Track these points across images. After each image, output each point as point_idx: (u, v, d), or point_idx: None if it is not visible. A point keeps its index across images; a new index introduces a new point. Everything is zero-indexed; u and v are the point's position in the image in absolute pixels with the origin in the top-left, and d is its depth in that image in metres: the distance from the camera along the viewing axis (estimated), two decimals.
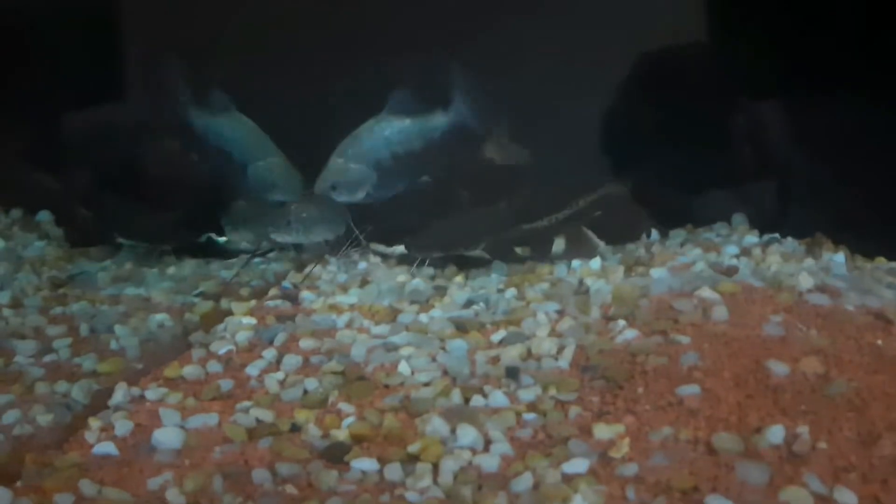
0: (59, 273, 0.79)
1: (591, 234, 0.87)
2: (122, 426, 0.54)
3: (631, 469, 0.48)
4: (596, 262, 0.79)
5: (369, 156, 0.83)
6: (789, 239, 0.81)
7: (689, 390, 0.53)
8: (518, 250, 0.89)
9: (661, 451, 0.49)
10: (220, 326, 0.67)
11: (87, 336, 0.67)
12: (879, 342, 0.58)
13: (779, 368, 0.54)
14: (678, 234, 0.87)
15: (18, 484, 0.49)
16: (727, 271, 0.71)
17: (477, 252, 0.88)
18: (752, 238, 0.81)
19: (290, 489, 0.50)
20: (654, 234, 0.88)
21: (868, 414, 0.50)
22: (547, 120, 0.98)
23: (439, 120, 0.86)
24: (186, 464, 0.51)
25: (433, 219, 0.91)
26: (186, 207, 0.93)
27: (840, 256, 0.77)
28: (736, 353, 0.56)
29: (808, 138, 0.93)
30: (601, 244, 0.86)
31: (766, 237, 0.81)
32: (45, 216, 0.95)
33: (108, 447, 0.53)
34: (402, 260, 0.88)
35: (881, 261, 0.77)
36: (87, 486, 0.49)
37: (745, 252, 0.78)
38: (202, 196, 0.95)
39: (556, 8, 0.96)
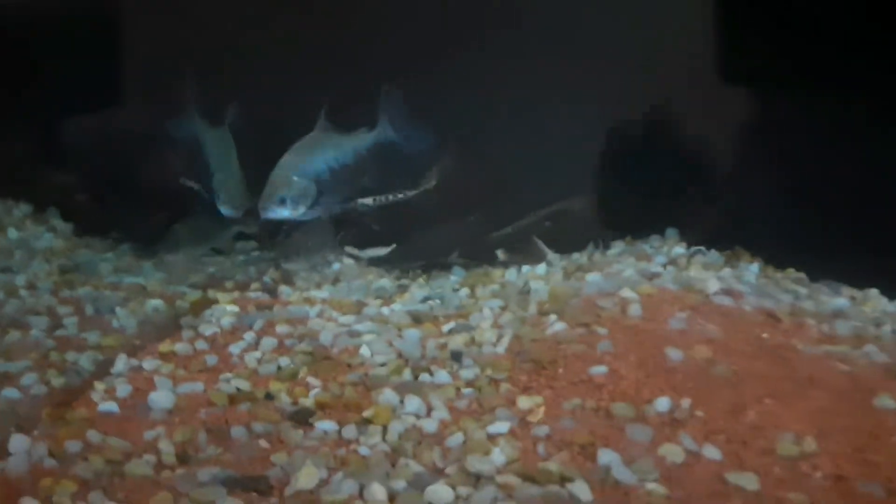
0: (67, 261, 0.90)
1: (540, 243, 0.98)
2: (123, 389, 0.64)
3: (543, 430, 0.59)
4: (541, 268, 0.90)
5: (310, 170, 0.90)
6: (713, 251, 0.92)
7: (599, 370, 0.64)
8: (499, 253, 1.01)
9: (570, 416, 0.60)
10: (208, 312, 0.77)
11: (92, 315, 0.77)
12: (765, 335, 0.69)
13: (675, 354, 0.65)
14: (619, 245, 0.98)
15: (35, 433, 0.59)
16: (650, 277, 0.82)
17: (453, 258, 0.99)
18: (679, 249, 0.92)
19: (263, 443, 0.60)
20: (599, 244, 0.99)
21: (740, 390, 0.61)
22: (517, 138, 1.10)
23: (366, 137, 0.97)
24: (176, 421, 0.62)
25: (406, 227, 1.02)
26: (173, 210, 1.04)
27: (755, 267, 0.88)
28: (642, 342, 0.67)
29: (743, 159, 1.05)
30: (549, 252, 0.97)
31: (693, 249, 0.93)
32: (52, 212, 1.05)
33: (110, 406, 0.63)
34: (372, 262, 1.00)
35: (790, 272, 0.88)
36: (93, 436, 0.59)
37: (673, 262, 0.90)
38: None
39: (523, 26, 1.07)
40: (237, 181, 1.00)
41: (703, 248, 0.93)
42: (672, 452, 0.55)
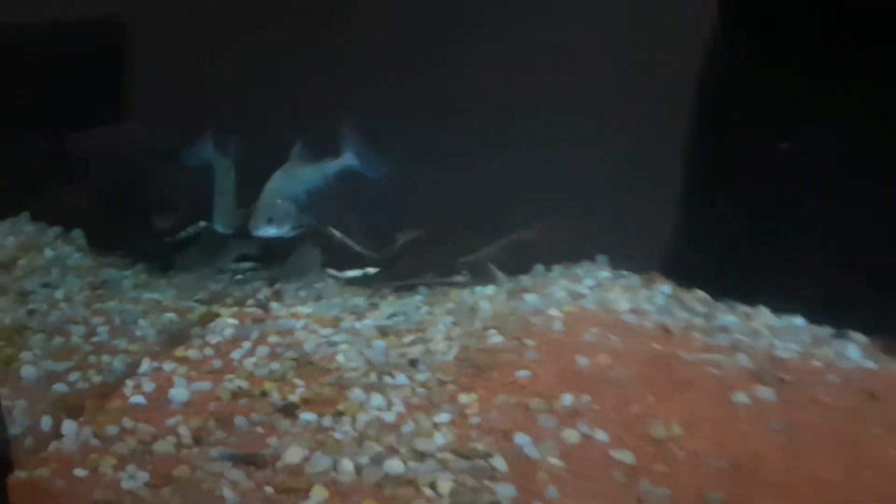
0: (95, 278, 1.06)
1: (493, 268, 1.16)
2: (148, 386, 0.81)
3: (476, 420, 0.76)
4: (490, 289, 1.07)
5: (290, 195, 1.06)
6: (634, 275, 1.10)
7: (523, 374, 0.81)
8: (459, 277, 1.18)
9: (497, 410, 0.77)
10: (213, 324, 0.94)
11: (119, 325, 0.94)
12: (657, 346, 0.86)
13: (582, 361, 0.82)
14: (557, 269, 1.15)
15: (81, 419, 0.76)
16: (576, 297, 1.00)
17: (424, 280, 1.16)
18: (605, 273, 1.10)
19: (259, 430, 0.77)
20: (541, 268, 1.16)
21: (629, 389, 0.78)
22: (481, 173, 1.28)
23: (333, 165, 1.13)
24: (191, 412, 0.78)
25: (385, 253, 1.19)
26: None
27: (666, 288, 1.05)
28: (559, 352, 0.84)
29: (664, 194, 1.22)
30: (500, 275, 1.14)
31: (616, 273, 1.10)
32: (78, 233, 1.22)
33: (139, 399, 0.79)
34: (350, 282, 1.17)
35: (697, 292, 1.06)
36: (127, 422, 0.76)
37: (599, 284, 1.07)
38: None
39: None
40: (230, 203, 1.17)
41: (625, 272, 1.11)
42: (571, 436, 0.72)
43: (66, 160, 1.25)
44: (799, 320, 0.99)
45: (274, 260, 1.16)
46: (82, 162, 1.25)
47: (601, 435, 0.72)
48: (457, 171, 1.21)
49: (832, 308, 1.00)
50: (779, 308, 1.02)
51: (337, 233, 1.11)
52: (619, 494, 0.67)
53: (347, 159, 1.16)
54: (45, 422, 0.76)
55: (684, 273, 1.11)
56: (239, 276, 1.12)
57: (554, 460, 0.70)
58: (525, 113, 1.20)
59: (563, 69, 1.20)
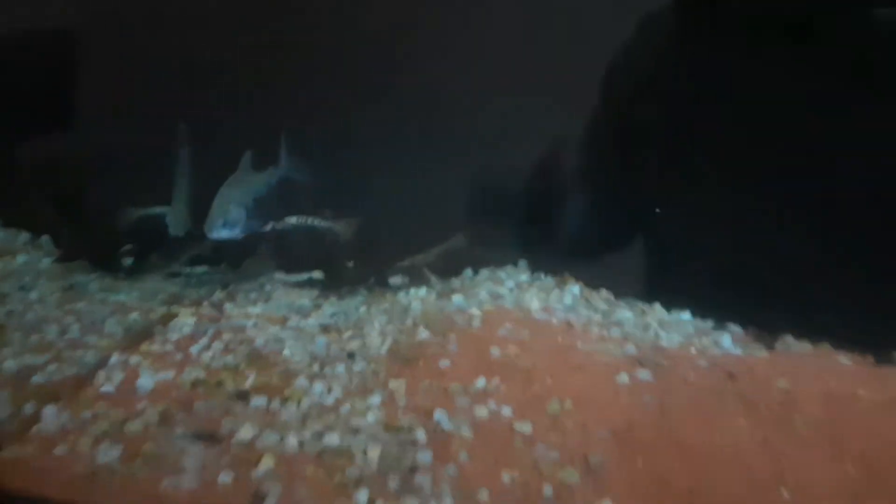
0: (64, 282, 1.17)
1: (427, 272, 1.30)
2: (117, 377, 0.92)
3: (403, 401, 0.89)
4: (422, 291, 1.21)
5: (241, 201, 1.17)
6: (549, 278, 1.25)
7: (445, 363, 0.95)
8: (395, 280, 1.31)
9: (421, 393, 0.91)
10: (173, 323, 1.06)
11: (89, 324, 1.04)
12: (559, 339, 1.01)
13: (495, 352, 0.97)
14: (484, 273, 1.30)
15: (60, 405, 0.88)
16: (496, 298, 1.15)
17: (367, 284, 1.29)
18: (524, 277, 1.25)
19: (216, 413, 0.89)
20: (470, 272, 1.31)
21: (532, 374, 0.92)
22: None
23: (274, 173, 1.27)
24: (156, 398, 0.90)
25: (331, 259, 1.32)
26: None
27: (576, 289, 1.21)
28: (476, 345, 0.99)
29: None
30: (433, 278, 1.28)
31: (534, 276, 1.25)
32: (45, 240, 1.32)
33: (109, 387, 0.91)
34: (297, 284, 1.29)
35: (602, 292, 1.22)
36: (100, 407, 0.87)
37: (518, 286, 1.22)
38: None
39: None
40: (183, 208, 1.28)
41: (542, 275, 1.26)
42: (481, 412, 0.86)
43: (33, 167, 1.35)
44: (686, 315, 1.15)
45: (227, 264, 1.28)
46: (47, 169, 1.35)
47: (506, 411, 0.87)
48: (390, 181, 1.35)
49: (716, 304, 1.16)
50: (671, 305, 1.19)
51: (298, 219, 1.23)
52: (518, 457, 0.81)
53: (286, 168, 1.30)
54: (27, 408, 0.87)
55: (592, 275, 1.26)
56: (194, 280, 1.24)
57: (466, 432, 0.84)
58: (448, 125, 1.35)
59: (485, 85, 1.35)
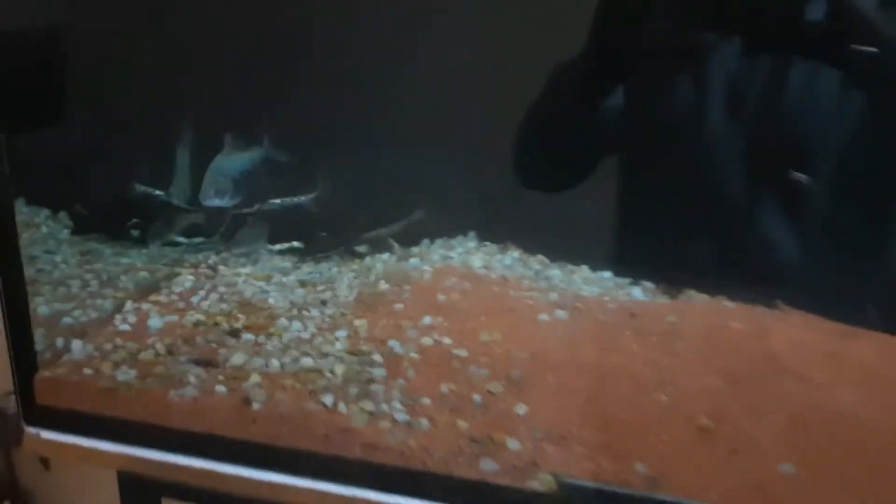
0: (83, 248, 1.38)
1: (390, 241, 1.51)
2: (131, 319, 1.13)
3: (364, 334, 1.10)
4: (385, 256, 1.42)
5: (229, 173, 1.34)
6: (494, 245, 1.46)
7: (399, 306, 1.16)
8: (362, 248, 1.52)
9: (379, 328, 1.11)
10: (176, 280, 1.26)
11: (105, 280, 1.25)
12: (495, 288, 1.23)
13: (441, 297, 1.17)
14: (439, 242, 1.50)
15: (85, 340, 1.08)
16: (446, 259, 1.36)
17: (338, 252, 1.49)
18: (473, 244, 1.46)
19: (213, 345, 1.10)
20: (427, 241, 1.51)
21: (471, 313, 1.13)
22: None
23: (257, 152, 1.45)
24: (164, 334, 1.10)
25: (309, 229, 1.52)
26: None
27: (515, 254, 1.42)
28: (425, 293, 1.19)
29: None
30: (395, 246, 1.49)
31: (481, 244, 1.46)
32: (64, 215, 1.52)
33: (125, 326, 1.11)
34: (280, 252, 1.50)
35: (539, 256, 1.43)
36: (118, 341, 1.08)
37: (467, 251, 1.43)
38: None
39: None
40: (185, 179, 1.49)
41: (488, 243, 1.47)
42: (427, 341, 1.07)
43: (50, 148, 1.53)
44: (608, 274, 1.37)
45: (220, 235, 1.49)
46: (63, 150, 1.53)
47: (447, 340, 1.07)
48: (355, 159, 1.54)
49: (635, 265, 1.38)
50: (596, 267, 1.40)
51: (282, 200, 1.44)
52: (454, 374, 1.02)
53: (267, 149, 1.51)
54: (59, 342, 1.08)
55: (531, 242, 1.47)
56: (192, 247, 1.45)
57: (414, 355, 1.05)
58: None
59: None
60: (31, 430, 1.03)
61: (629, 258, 1.38)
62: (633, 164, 1.31)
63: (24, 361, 1.02)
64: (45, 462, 2.38)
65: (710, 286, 1.30)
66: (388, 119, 1.58)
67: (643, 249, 1.37)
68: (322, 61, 1.51)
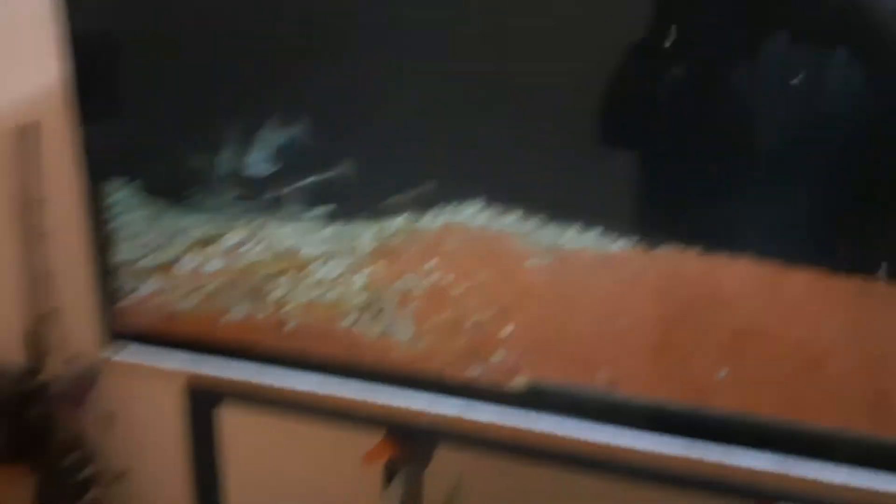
0: (152, 209, 1.65)
1: (405, 205, 1.73)
2: (192, 264, 1.38)
3: (380, 275, 1.34)
4: (401, 217, 1.65)
5: (271, 146, 1.52)
6: (498, 207, 1.68)
7: (409, 255, 1.40)
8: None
9: (394, 271, 1.35)
10: (227, 235, 1.51)
11: (171, 234, 1.50)
12: (492, 242, 1.45)
13: (444, 248, 1.41)
14: (450, 206, 1.73)
15: (155, 277, 1.34)
16: (453, 218, 1.58)
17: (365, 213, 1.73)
18: (479, 206, 1.68)
19: (258, 284, 1.35)
20: (439, 205, 1.74)
21: (468, 260, 1.36)
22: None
23: (294, 128, 1.67)
24: (218, 276, 1.36)
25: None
26: None
27: (516, 215, 1.64)
28: (431, 244, 1.43)
29: None
30: (410, 209, 1.72)
31: (487, 206, 1.68)
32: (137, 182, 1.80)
33: (187, 269, 1.37)
34: (314, 216, 1.75)
35: (540, 216, 1.64)
36: (181, 279, 1.34)
37: (472, 214, 1.65)
38: None
39: None
40: (234, 150, 1.74)
41: (491, 206, 1.69)
42: (430, 280, 1.30)
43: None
44: (598, 231, 1.57)
45: (265, 202, 1.74)
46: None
47: (446, 280, 1.31)
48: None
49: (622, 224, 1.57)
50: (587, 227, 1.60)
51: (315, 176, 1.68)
52: (451, 305, 1.25)
53: (302, 125, 1.75)
54: (135, 281, 1.34)
55: (530, 205, 1.68)
56: (241, 210, 1.70)
57: (418, 291, 1.28)
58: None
59: None
60: (113, 349, 1.29)
61: (618, 218, 1.58)
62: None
63: (109, 295, 1.28)
64: (109, 418, 2.70)
65: (694, 242, 1.49)
66: (405, 97, 1.82)
67: (633, 210, 1.57)
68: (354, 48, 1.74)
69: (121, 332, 1.25)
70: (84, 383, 2.55)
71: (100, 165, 1.36)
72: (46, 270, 2.43)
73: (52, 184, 2.39)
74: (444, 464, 1.71)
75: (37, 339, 2.47)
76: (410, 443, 1.59)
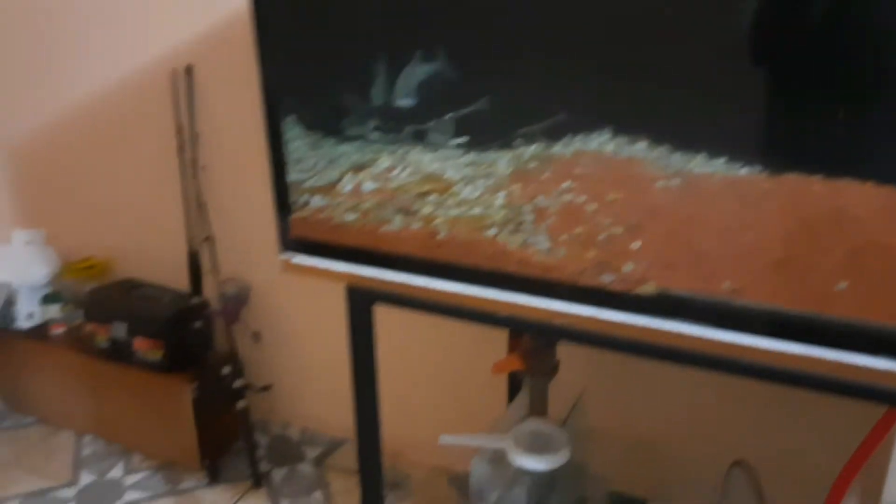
0: (312, 139, 1.85)
1: (538, 134, 1.85)
2: (351, 185, 1.56)
3: (517, 194, 1.47)
4: (535, 144, 1.77)
5: (415, 80, 1.63)
6: (625, 136, 1.77)
7: (546, 175, 1.52)
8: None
9: (532, 190, 1.48)
10: (378, 161, 1.69)
11: (328, 161, 1.71)
12: (623, 165, 1.55)
13: (577, 170, 1.52)
14: (581, 133, 1.84)
15: (320, 195, 1.53)
16: (584, 144, 1.69)
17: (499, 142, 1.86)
18: (607, 135, 1.78)
19: (408, 202, 1.51)
20: (571, 133, 1.85)
21: (600, 181, 1.48)
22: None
23: (435, 64, 1.75)
24: (373, 196, 1.53)
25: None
26: None
27: (644, 142, 1.73)
28: (565, 166, 1.55)
29: None
30: (543, 138, 1.84)
31: (615, 135, 1.78)
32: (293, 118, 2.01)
33: (348, 188, 1.55)
34: (452, 146, 1.90)
35: (666, 144, 1.73)
36: (343, 198, 1.52)
37: (600, 142, 1.75)
38: None
39: None
40: (383, 86, 1.90)
41: (620, 135, 1.79)
42: (565, 199, 1.43)
43: None
44: (722, 160, 1.65)
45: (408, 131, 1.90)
46: None
47: (580, 198, 1.43)
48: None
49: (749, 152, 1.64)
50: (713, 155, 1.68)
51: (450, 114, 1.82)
52: (585, 221, 1.37)
53: (443, 61, 1.88)
54: (303, 197, 1.53)
55: (658, 134, 1.77)
56: (389, 140, 1.88)
57: (554, 208, 1.41)
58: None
59: None
60: (286, 255, 1.49)
61: (743, 147, 1.64)
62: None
63: (283, 209, 1.47)
64: (256, 336, 2.98)
65: (819, 169, 1.54)
66: (536, 33, 1.92)
67: (759, 139, 1.63)
68: None
69: (293, 245, 1.44)
70: (236, 303, 2.84)
71: (272, 101, 1.54)
72: (202, 200, 2.70)
73: (204, 121, 2.64)
74: (567, 378, 1.86)
75: (196, 263, 2.77)
76: (537, 355, 1.75)
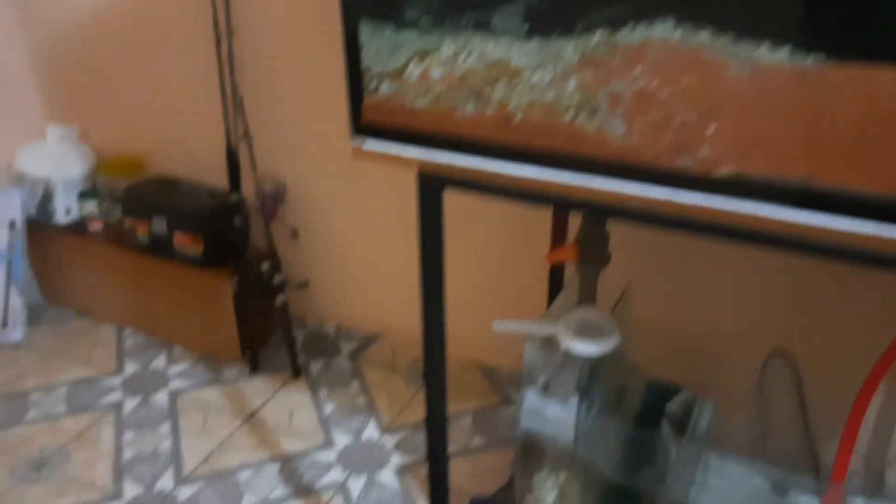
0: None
1: (603, 21, 1.84)
2: (417, 72, 1.57)
3: (589, 82, 1.48)
4: (598, 34, 1.77)
5: None
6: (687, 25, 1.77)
7: (613, 63, 1.53)
8: None
9: (604, 80, 1.49)
10: (442, 48, 1.69)
11: (392, 48, 1.71)
12: (690, 53, 1.55)
13: (646, 58, 1.53)
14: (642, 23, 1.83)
15: (389, 81, 1.53)
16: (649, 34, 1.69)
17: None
18: (671, 24, 1.77)
19: (477, 85, 1.52)
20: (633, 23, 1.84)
21: (668, 75, 1.48)
22: None
23: None
24: (441, 82, 1.54)
25: None
26: None
27: (707, 32, 1.72)
28: (627, 57, 1.55)
29: None
30: (607, 25, 1.83)
31: (679, 24, 1.77)
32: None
33: (416, 74, 1.56)
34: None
35: (727, 36, 1.72)
36: (411, 83, 1.53)
37: (667, 30, 1.75)
38: None
39: None
40: None
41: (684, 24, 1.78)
42: (637, 85, 1.44)
43: None
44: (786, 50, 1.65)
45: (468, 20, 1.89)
46: None
47: (652, 85, 1.44)
48: None
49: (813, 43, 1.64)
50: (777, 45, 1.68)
51: None
52: (659, 106, 1.39)
53: None
54: (374, 84, 1.54)
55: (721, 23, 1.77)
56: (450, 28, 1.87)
57: (626, 95, 1.42)
58: None
59: None
60: (359, 139, 1.51)
61: (809, 37, 1.65)
62: None
63: (356, 96, 1.48)
64: (294, 233, 3.02)
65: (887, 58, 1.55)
66: None
67: (821, 28, 1.63)
68: None
69: (365, 130, 1.46)
70: (274, 200, 2.88)
71: None
72: (239, 96, 2.70)
73: (240, 16, 2.61)
74: (610, 271, 1.91)
75: (234, 160, 2.78)
76: (593, 243, 1.79)
